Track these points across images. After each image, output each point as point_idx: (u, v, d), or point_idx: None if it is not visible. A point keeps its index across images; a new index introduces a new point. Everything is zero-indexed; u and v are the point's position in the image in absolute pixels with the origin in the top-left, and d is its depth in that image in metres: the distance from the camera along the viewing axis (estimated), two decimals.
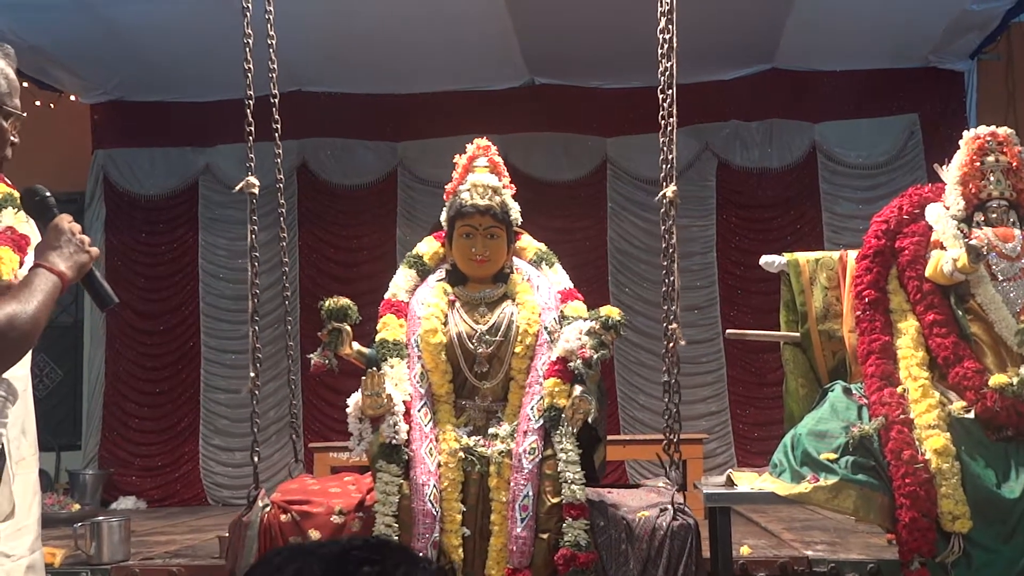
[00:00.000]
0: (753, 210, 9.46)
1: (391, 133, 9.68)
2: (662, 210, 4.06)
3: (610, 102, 9.49)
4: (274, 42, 4.41)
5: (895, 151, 9.29)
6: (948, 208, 4.19)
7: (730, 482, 3.95)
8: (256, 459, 4.28)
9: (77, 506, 8.13)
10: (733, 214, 9.47)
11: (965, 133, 4.21)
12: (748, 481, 3.90)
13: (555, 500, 3.73)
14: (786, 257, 4.53)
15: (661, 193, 4.03)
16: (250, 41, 4.38)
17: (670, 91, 4.02)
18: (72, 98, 9.61)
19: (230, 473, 9.36)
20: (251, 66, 4.30)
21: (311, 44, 8.34)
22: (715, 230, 9.42)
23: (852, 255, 4.35)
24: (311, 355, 3.98)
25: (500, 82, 9.43)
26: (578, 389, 3.85)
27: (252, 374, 4.15)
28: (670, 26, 4.00)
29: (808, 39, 8.64)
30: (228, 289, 9.62)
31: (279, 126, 4.52)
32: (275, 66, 4.41)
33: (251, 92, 4.31)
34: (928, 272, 4.06)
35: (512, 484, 3.78)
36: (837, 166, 9.38)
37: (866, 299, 4.09)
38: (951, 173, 4.22)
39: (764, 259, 4.61)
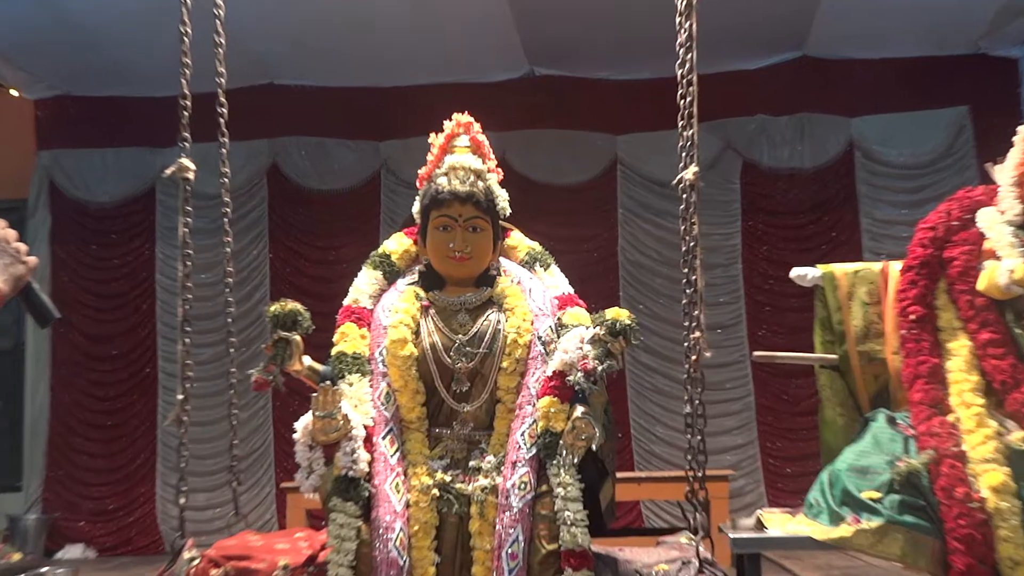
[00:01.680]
0: (783, 216, 9.47)
1: (373, 131, 9.71)
2: (684, 195, 3.82)
3: (620, 95, 9.53)
4: (220, 16, 4.25)
5: (942, 148, 9.31)
6: (1003, 213, 4.17)
7: (760, 525, 3.92)
8: (183, 500, 4.08)
9: (18, 555, 8.08)
10: (760, 221, 9.49)
11: (1020, 128, 4.20)
12: (780, 524, 3.87)
13: (551, 547, 3.53)
14: (821, 269, 4.52)
15: (680, 176, 3.85)
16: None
17: (689, 55, 3.90)
18: (13, 93, 9.63)
19: (192, 518, 9.25)
20: (188, 62, 4.18)
21: (283, 31, 8.37)
22: (740, 239, 9.44)
23: (895, 266, 4.33)
24: (251, 370, 3.77)
25: (496, 73, 9.46)
26: (579, 410, 3.62)
27: (180, 396, 3.90)
28: (690, 9, 3.92)
29: (843, 23, 8.67)
30: (190, 308, 9.59)
31: (224, 119, 4.37)
32: (222, 48, 4.27)
33: (185, 89, 4.20)
34: (981, 285, 4.04)
35: (498, 528, 3.57)
36: (877, 166, 9.40)
37: (911, 316, 4.06)
38: (1005, 173, 4.21)
39: (796, 271, 4.59)
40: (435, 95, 9.36)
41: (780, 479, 9.09)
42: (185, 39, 4.05)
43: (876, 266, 4.47)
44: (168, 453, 9.53)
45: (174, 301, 9.66)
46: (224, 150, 4.42)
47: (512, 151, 9.31)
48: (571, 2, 8.18)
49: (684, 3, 3.87)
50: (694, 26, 3.81)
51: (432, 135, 4.14)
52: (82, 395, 9.68)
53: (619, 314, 3.72)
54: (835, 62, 9.39)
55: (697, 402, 3.75)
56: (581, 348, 3.71)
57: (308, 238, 9.76)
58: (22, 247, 2.32)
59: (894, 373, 4.19)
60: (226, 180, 4.50)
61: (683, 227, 3.79)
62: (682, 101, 3.84)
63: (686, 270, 3.77)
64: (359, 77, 9.45)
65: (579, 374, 3.67)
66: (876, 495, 3.67)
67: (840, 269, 4.50)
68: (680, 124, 3.84)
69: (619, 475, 7.58)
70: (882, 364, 4.29)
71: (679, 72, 3.85)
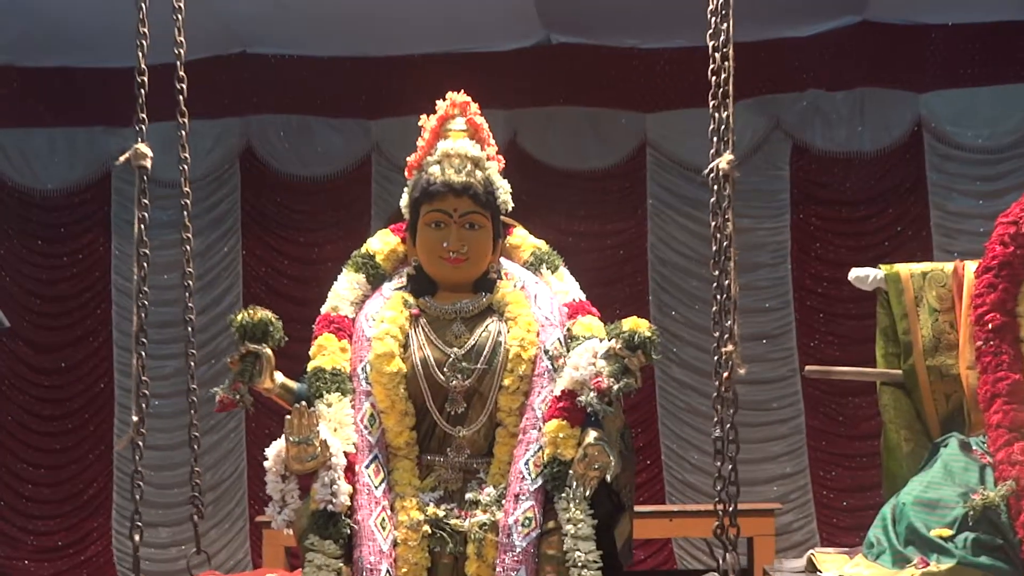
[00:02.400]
0: (839, 208, 9.46)
1: (364, 108, 9.71)
2: (716, 187, 3.83)
3: (650, 67, 9.51)
4: None
5: None
6: None
7: (812, 567, 3.93)
8: (137, 537, 4.07)
9: None
10: (813, 213, 9.48)
11: None
12: (836, 566, 3.88)
13: None
14: (884, 270, 4.53)
15: (712, 165, 3.83)
16: None
17: (724, 25, 3.89)
18: None
19: (153, 556, 9.35)
20: (145, 32, 4.14)
21: None
22: (789, 234, 9.42)
23: (971, 267, 4.34)
24: (216, 388, 3.77)
25: (506, 41, 9.45)
26: (592, 435, 3.63)
27: (135, 418, 3.89)
28: None
29: None
30: (151, 313, 9.50)
31: (183, 96, 4.35)
32: (180, 15, 4.25)
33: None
34: None
35: (499, 570, 3.61)
36: (950, 149, 9.38)
37: (989, 325, 4.08)
38: None
39: (855, 273, 4.61)
40: (435, 66, 9.34)
41: (835, 514, 9.06)
42: (142, 5, 4.04)
43: (948, 267, 4.48)
44: (125, 481, 9.49)
45: (132, 305, 9.67)
46: (183, 132, 4.43)
47: (524, 132, 9.31)
48: None
49: None
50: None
51: (423, 117, 4.15)
52: (25, 414, 9.68)
53: (637, 325, 3.72)
54: (901, 28, 9.34)
55: (728, 426, 3.73)
56: (594, 364, 3.71)
57: (287, 232, 9.75)
58: None
59: (969, 391, 4.19)
60: (185, 167, 4.50)
61: (714, 223, 3.78)
62: (714, 77, 3.83)
63: (717, 272, 3.76)
64: (347, 45, 9.44)
65: (592, 394, 3.67)
66: (947, 533, 3.67)
67: (906, 270, 4.51)
68: (712, 104, 3.83)
69: (648, 509, 7.62)
70: (955, 381, 4.30)
71: (711, 44, 3.84)
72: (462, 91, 4.23)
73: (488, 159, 4.03)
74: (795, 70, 9.44)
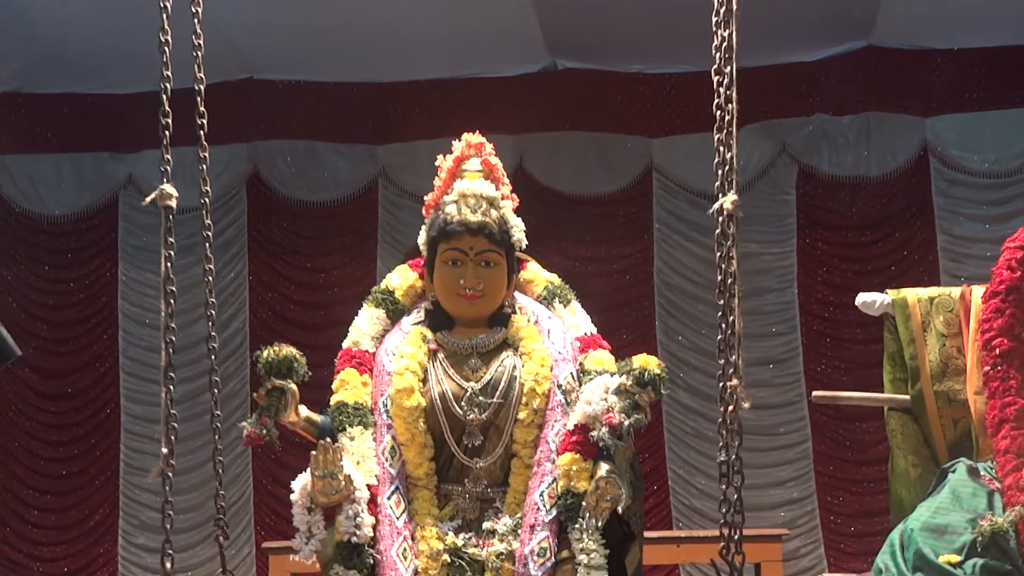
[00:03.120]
0: (846, 232, 9.45)
1: (370, 134, 9.72)
2: (718, 229, 3.88)
3: (656, 92, 9.53)
4: (199, 13, 4.23)
5: None
6: None
7: None
8: (169, 565, 4.14)
9: None
10: (819, 238, 9.47)
11: None
12: None
13: None
14: (891, 295, 4.53)
15: (717, 204, 3.88)
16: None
17: (728, 68, 3.90)
18: None
19: None
20: (168, 37, 4.13)
21: (264, 17, 8.37)
22: (795, 259, 9.41)
23: (978, 292, 4.34)
24: (243, 423, 3.88)
25: (512, 67, 9.47)
26: (604, 468, 3.73)
27: (164, 450, 3.98)
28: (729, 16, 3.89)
29: (916, 6, 8.65)
30: (157, 339, 9.60)
31: (204, 131, 4.36)
32: (200, 51, 4.25)
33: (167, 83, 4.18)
34: None
35: None
36: (956, 174, 9.37)
37: (997, 350, 4.07)
38: None
39: (862, 298, 4.61)
40: (441, 92, 9.37)
41: (843, 539, 9.02)
42: (165, 48, 4.07)
43: (955, 292, 4.47)
44: (132, 507, 9.50)
45: (139, 331, 9.68)
46: (204, 167, 4.47)
47: (531, 157, 9.31)
48: None
49: (724, 7, 3.85)
50: (734, 35, 3.80)
51: (440, 157, 4.23)
52: (32, 440, 9.66)
53: (647, 362, 3.82)
54: (906, 52, 9.34)
55: (734, 456, 3.75)
56: (606, 400, 3.81)
57: (294, 258, 9.75)
58: None
59: (976, 416, 4.19)
60: (206, 200, 4.56)
61: (720, 263, 3.82)
62: (718, 112, 3.85)
63: (720, 313, 3.83)
64: (353, 71, 9.45)
65: (604, 429, 3.77)
66: (955, 559, 3.67)
67: (913, 295, 4.51)
68: (716, 139, 3.85)
69: (656, 534, 7.61)
70: (962, 406, 4.30)
71: (715, 79, 3.86)
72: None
73: (503, 198, 4.14)
74: (801, 95, 9.44)
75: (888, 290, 4.57)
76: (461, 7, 8.45)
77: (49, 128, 9.76)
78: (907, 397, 4.40)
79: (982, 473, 3.99)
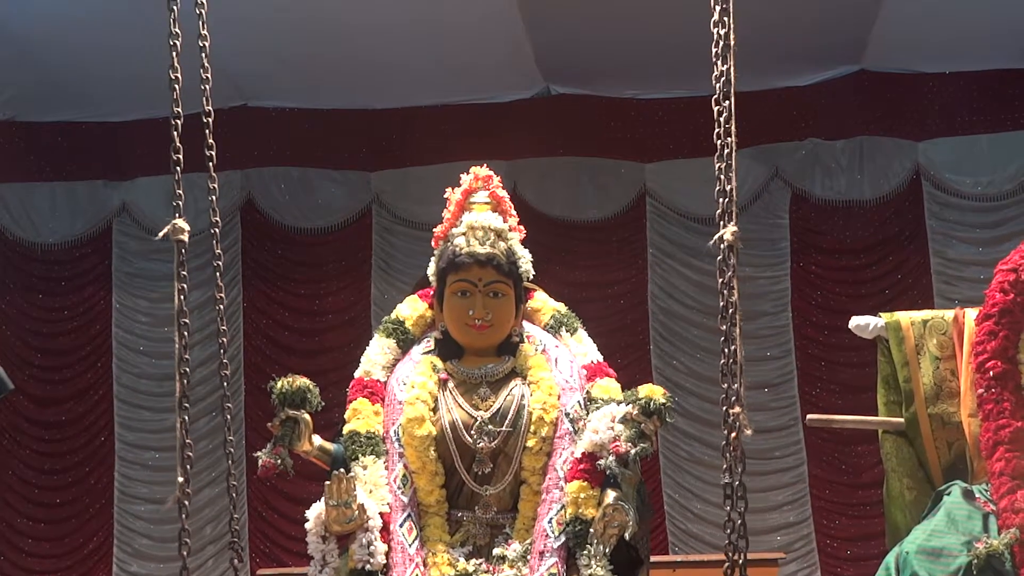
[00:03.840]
0: (839, 256, 9.46)
1: (364, 160, 9.73)
2: (719, 257, 3.86)
3: (649, 117, 9.55)
4: (206, 48, 4.32)
5: None
6: None
7: None
8: None
9: None
10: (813, 262, 9.48)
11: None
12: None
13: None
14: (884, 318, 4.52)
15: (717, 236, 3.89)
16: (178, 43, 4.32)
17: (727, 102, 3.93)
18: None
19: None
20: (178, 75, 4.24)
21: (258, 45, 8.39)
22: (789, 283, 9.42)
23: (971, 315, 4.33)
24: (258, 453, 3.94)
25: (506, 92, 9.49)
26: (611, 495, 3.80)
27: (180, 479, 4.01)
28: (725, 18, 3.91)
29: (908, 32, 8.68)
30: (151, 367, 9.63)
31: (214, 152, 4.44)
32: (208, 75, 4.34)
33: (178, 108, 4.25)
34: None
35: None
36: (949, 197, 9.39)
37: (990, 372, 4.07)
38: None
39: (856, 321, 4.60)
40: (436, 118, 9.39)
41: (838, 563, 9.00)
42: (176, 86, 4.13)
43: (948, 314, 4.47)
44: (126, 535, 9.48)
45: (133, 358, 9.67)
46: (213, 197, 4.54)
47: (524, 182, 9.32)
48: (592, 8, 8.21)
49: (720, 43, 3.87)
50: (732, 70, 3.83)
51: (449, 190, 4.30)
52: (26, 468, 9.64)
53: (653, 392, 3.92)
54: (898, 76, 9.37)
55: (737, 483, 3.81)
56: (612, 428, 3.90)
57: (288, 285, 9.74)
58: None
59: (971, 439, 4.18)
60: (216, 231, 4.65)
61: (721, 291, 3.82)
62: (719, 141, 3.87)
63: (723, 339, 3.81)
64: (347, 98, 9.47)
65: (611, 457, 3.86)
66: None
67: (906, 318, 4.50)
68: (717, 167, 3.86)
69: (653, 559, 7.58)
70: (957, 429, 4.29)
71: (716, 109, 3.88)
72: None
73: (510, 230, 4.24)
74: (794, 119, 9.47)
75: (881, 313, 4.57)
76: (455, 33, 8.48)
77: (43, 156, 9.76)
78: (901, 420, 4.39)
79: (977, 496, 3.98)
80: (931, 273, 9.30)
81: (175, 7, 4.23)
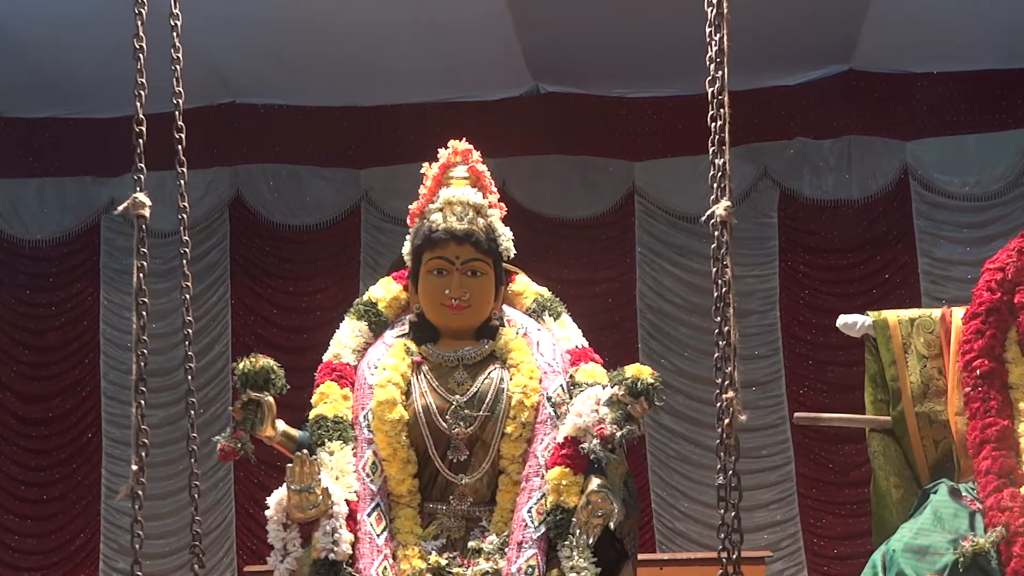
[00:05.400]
0: (827, 255, 9.47)
1: (353, 157, 9.72)
2: (716, 232, 3.78)
3: (638, 116, 9.55)
4: (177, 28, 4.13)
5: (1012, 176, 9.30)
6: None
7: None
8: None
9: None
10: (801, 260, 9.49)
11: None
12: None
13: None
14: (872, 317, 4.53)
15: (709, 211, 3.83)
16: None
17: (719, 72, 3.86)
18: None
19: None
20: (143, 82, 4.08)
21: (247, 42, 8.39)
22: (778, 281, 9.43)
23: (958, 313, 4.34)
24: (217, 437, 3.80)
25: (495, 90, 9.49)
26: (595, 482, 3.65)
27: (134, 467, 3.76)
28: (717, 15, 3.88)
29: (896, 32, 8.69)
30: (145, 365, 9.58)
31: (182, 145, 4.26)
32: (179, 64, 4.18)
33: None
34: None
35: None
36: (937, 196, 9.40)
37: (977, 371, 4.08)
38: None
39: (843, 320, 4.60)
40: (425, 116, 9.37)
41: (825, 561, 9.01)
42: (140, 56, 4.03)
43: (936, 313, 4.47)
44: (113, 532, 9.46)
45: (121, 355, 9.64)
46: (182, 181, 4.39)
47: (513, 181, 9.30)
48: (582, 7, 8.21)
49: (714, 13, 3.84)
50: (725, 39, 3.80)
51: (426, 165, 4.17)
52: (12, 464, 9.62)
53: (640, 371, 3.76)
54: (887, 76, 9.38)
55: (731, 472, 3.71)
56: (597, 411, 3.74)
57: (276, 282, 9.73)
58: None
59: (958, 437, 4.19)
60: (184, 216, 4.44)
61: (715, 269, 3.76)
62: (713, 124, 3.83)
63: (718, 319, 3.72)
64: (336, 95, 9.46)
65: (595, 441, 3.70)
66: None
67: (894, 317, 4.50)
68: (711, 151, 3.83)
69: (640, 557, 7.59)
70: (943, 427, 4.29)
71: (709, 91, 3.85)
72: (462, 140, 4.26)
73: (490, 206, 4.08)
74: (782, 118, 9.47)
75: (869, 312, 4.58)
76: (444, 32, 8.47)
77: (31, 152, 9.76)
78: (889, 418, 4.40)
79: (964, 494, 3.99)
80: (919, 272, 9.31)
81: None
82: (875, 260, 9.43)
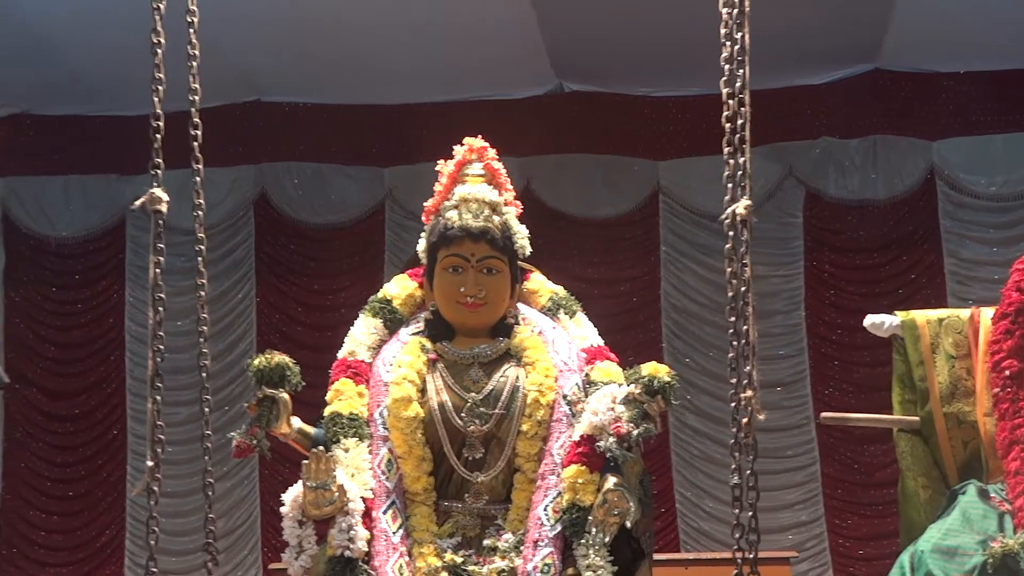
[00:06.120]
0: (852, 255, 9.44)
1: (377, 156, 9.73)
2: (731, 233, 3.77)
3: (663, 114, 9.54)
4: (194, 24, 4.14)
5: None
6: None
7: None
8: None
9: None
10: (827, 260, 9.46)
11: None
12: None
13: None
14: (899, 317, 4.51)
15: (729, 210, 3.80)
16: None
17: (740, 71, 3.84)
18: None
19: None
20: (160, 77, 4.09)
21: (272, 41, 8.40)
22: (803, 281, 9.40)
23: (987, 314, 4.33)
24: (232, 433, 3.80)
25: (519, 89, 9.48)
26: (611, 481, 3.64)
27: (150, 463, 3.84)
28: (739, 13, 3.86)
29: (923, 31, 8.66)
30: (165, 360, 9.59)
31: (198, 142, 4.27)
32: (195, 61, 4.19)
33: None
34: None
35: None
36: (963, 196, 9.36)
37: (1006, 372, 4.06)
38: None
39: (870, 320, 4.59)
40: (448, 114, 9.36)
41: (852, 562, 8.98)
42: (157, 51, 4.04)
43: (964, 313, 4.46)
44: (138, 528, 9.47)
45: (146, 352, 9.60)
46: (198, 178, 4.39)
47: (538, 179, 9.31)
48: (606, 6, 8.20)
49: (735, 12, 3.81)
50: (747, 37, 3.77)
51: (441, 162, 4.17)
52: (38, 461, 9.65)
53: (657, 370, 3.75)
54: (913, 75, 9.35)
55: (748, 472, 3.67)
56: (613, 409, 3.72)
57: (301, 279, 9.75)
58: None
59: (986, 438, 4.17)
60: (199, 213, 4.45)
61: (731, 269, 3.74)
62: (728, 124, 3.81)
63: (734, 319, 3.70)
64: (360, 94, 9.47)
65: (611, 439, 3.68)
66: None
67: (922, 317, 4.49)
68: (727, 150, 3.80)
69: (663, 556, 7.57)
70: (972, 428, 4.28)
71: (725, 91, 3.82)
72: (478, 137, 4.25)
73: (506, 204, 4.07)
74: (808, 118, 9.45)
75: (897, 311, 4.56)
76: (469, 31, 8.47)
77: (57, 150, 9.79)
78: (916, 419, 4.39)
79: (992, 495, 3.98)
80: (945, 273, 9.28)
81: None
82: (901, 260, 9.39)
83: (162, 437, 3.85)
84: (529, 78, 9.39)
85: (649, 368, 3.76)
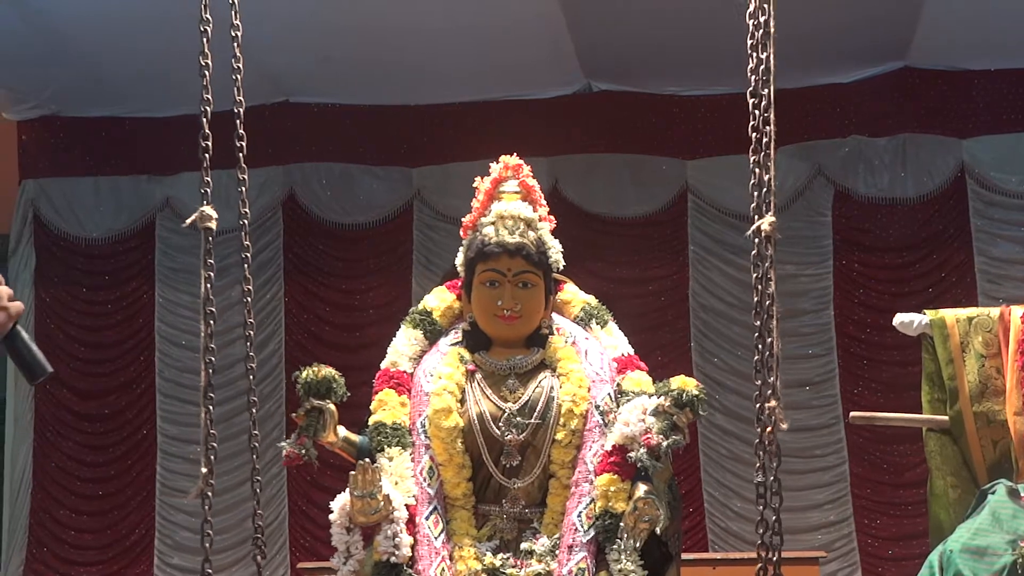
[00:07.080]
0: (882, 254, 9.40)
1: (405, 156, 9.74)
2: (754, 251, 3.88)
3: (691, 114, 9.52)
4: (238, 37, 4.23)
5: None
6: None
7: None
8: None
9: None
10: (856, 259, 9.42)
11: None
12: None
13: None
14: (929, 316, 4.51)
15: (754, 226, 3.86)
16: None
17: (765, 91, 3.88)
18: None
19: None
20: (209, 98, 4.14)
21: (300, 42, 8.43)
22: (832, 280, 9.37)
23: (1017, 312, 4.32)
24: (282, 443, 3.94)
25: (547, 89, 9.48)
26: (642, 489, 3.77)
27: (204, 470, 4.01)
28: (765, 4, 3.86)
29: (953, 28, 8.63)
30: (193, 361, 9.63)
31: (243, 153, 4.38)
32: (239, 75, 4.27)
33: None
34: None
35: None
36: (994, 195, 9.32)
37: None
38: None
39: (900, 318, 4.59)
40: (476, 114, 9.38)
41: (880, 563, 8.95)
42: (206, 72, 4.12)
43: (994, 312, 4.46)
44: (168, 528, 9.52)
45: (175, 352, 9.72)
46: (243, 188, 4.49)
47: (565, 179, 9.31)
48: (634, 5, 8.19)
49: (760, 33, 3.83)
50: (772, 58, 3.79)
51: (478, 179, 4.26)
52: (69, 460, 9.69)
53: (685, 383, 3.88)
54: (943, 73, 9.30)
55: (772, 478, 3.73)
56: (643, 421, 3.85)
57: (329, 280, 9.77)
58: (4, 291, 2.36)
59: (1016, 437, 4.17)
60: (245, 222, 4.58)
61: (757, 283, 3.80)
62: (754, 134, 3.83)
63: (757, 334, 3.80)
64: (388, 94, 9.48)
65: (642, 450, 3.81)
66: None
67: (952, 316, 4.49)
68: (752, 160, 3.83)
69: (691, 556, 7.58)
70: (1002, 427, 4.28)
71: (751, 102, 3.85)
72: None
73: (540, 219, 4.19)
74: (837, 116, 9.41)
75: (926, 310, 4.56)
76: (497, 31, 8.48)
77: (87, 151, 9.82)
78: (946, 418, 4.39)
79: (1022, 494, 3.96)
80: (975, 272, 9.23)
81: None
82: (931, 259, 9.36)
83: (215, 445, 4.02)
84: (557, 78, 9.40)
85: (678, 381, 3.88)
